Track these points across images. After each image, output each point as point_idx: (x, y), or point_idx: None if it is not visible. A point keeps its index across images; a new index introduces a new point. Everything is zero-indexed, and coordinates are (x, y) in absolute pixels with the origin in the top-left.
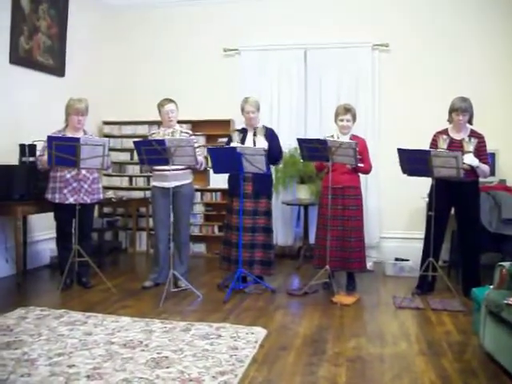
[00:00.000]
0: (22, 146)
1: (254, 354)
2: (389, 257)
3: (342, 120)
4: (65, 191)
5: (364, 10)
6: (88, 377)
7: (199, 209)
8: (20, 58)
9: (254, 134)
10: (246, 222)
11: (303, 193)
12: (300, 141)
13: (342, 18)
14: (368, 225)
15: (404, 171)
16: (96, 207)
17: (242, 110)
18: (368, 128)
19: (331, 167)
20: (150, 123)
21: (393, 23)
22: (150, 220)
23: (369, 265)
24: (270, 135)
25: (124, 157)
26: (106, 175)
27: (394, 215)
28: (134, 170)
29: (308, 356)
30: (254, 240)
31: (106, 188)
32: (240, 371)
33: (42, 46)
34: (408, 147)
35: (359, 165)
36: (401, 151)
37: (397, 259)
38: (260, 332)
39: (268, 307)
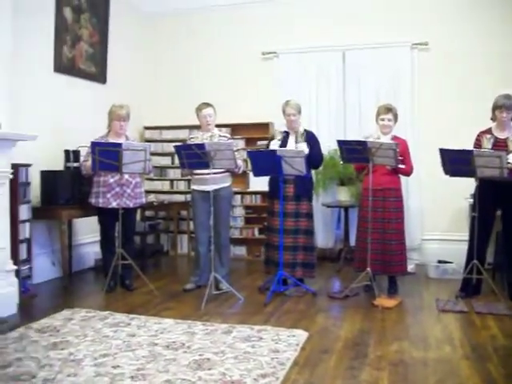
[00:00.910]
0: (67, 152)
1: (296, 357)
2: (431, 259)
3: (383, 119)
4: (108, 195)
5: (402, 9)
6: (132, 377)
7: (239, 212)
8: (63, 66)
9: (296, 139)
10: (288, 224)
11: (343, 195)
12: (340, 142)
13: (379, 17)
14: (409, 226)
15: (446, 172)
16: (138, 211)
17: (284, 112)
18: (408, 128)
19: (371, 168)
20: (191, 127)
21: (432, 21)
22: (191, 223)
23: (410, 267)
24: (311, 140)
25: (165, 161)
26: (147, 179)
27: (436, 216)
28: (174, 173)
29: (349, 359)
30: (296, 242)
31: (148, 192)
32: (281, 374)
33: (85, 54)
34: (450, 147)
35: (400, 166)
36: (443, 151)
37: (439, 261)
38: (301, 335)
39: (309, 310)
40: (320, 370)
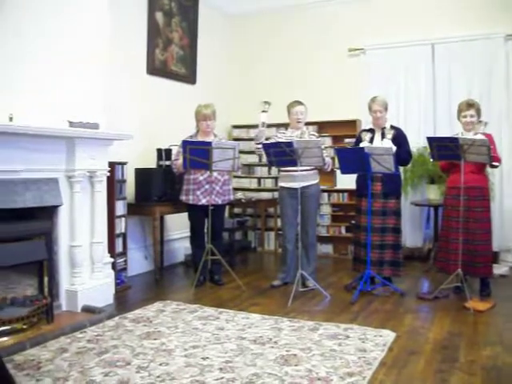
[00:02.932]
0: (159, 151)
1: (383, 357)
2: None
3: (465, 116)
4: (198, 193)
5: None
6: (220, 369)
7: (326, 209)
8: (156, 68)
9: (383, 135)
10: (376, 222)
11: (433, 193)
12: (430, 139)
13: (469, 8)
14: (503, 226)
15: None
16: (227, 208)
17: (370, 109)
18: (503, 123)
19: (462, 166)
20: (278, 125)
21: None
22: (278, 220)
23: (505, 269)
24: (399, 137)
25: (252, 159)
26: (235, 177)
27: None
28: (262, 171)
29: (438, 363)
30: (384, 240)
31: (236, 189)
32: (368, 374)
33: (175, 57)
34: None
35: (494, 163)
36: None
37: None
38: (389, 335)
39: (397, 310)
40: (408, 372)
